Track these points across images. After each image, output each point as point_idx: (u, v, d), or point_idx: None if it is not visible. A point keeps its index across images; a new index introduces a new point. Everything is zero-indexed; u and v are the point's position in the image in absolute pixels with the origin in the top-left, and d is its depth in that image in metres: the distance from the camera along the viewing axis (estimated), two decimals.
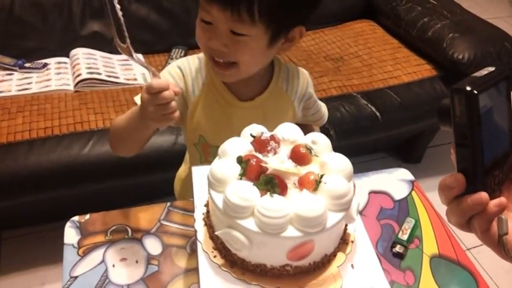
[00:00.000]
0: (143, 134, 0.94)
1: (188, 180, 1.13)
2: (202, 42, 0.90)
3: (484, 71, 0.50)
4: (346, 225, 0.74)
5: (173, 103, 0.82)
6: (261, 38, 0.87)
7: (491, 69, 0.51)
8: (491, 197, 0.50)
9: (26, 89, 1.89)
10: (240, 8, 0.81)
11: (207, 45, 0.88)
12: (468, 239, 1.94)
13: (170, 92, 0.80)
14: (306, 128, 1.14)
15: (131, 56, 0.83)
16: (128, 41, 0.81)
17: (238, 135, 0.77)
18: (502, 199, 0.50)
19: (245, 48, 0.87)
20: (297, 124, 1.07)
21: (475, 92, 0.47)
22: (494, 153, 0.51)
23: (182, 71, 0.99)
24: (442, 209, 1.04)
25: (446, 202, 0.53)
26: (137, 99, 0.94)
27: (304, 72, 1.08)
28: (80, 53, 2.06)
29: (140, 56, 2.05)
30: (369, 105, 1.93)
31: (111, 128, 0.99)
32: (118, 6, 0.76)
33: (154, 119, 0.83)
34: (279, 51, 0.95)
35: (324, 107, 1.17)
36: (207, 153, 1.04)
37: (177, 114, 0.83)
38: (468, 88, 0.47)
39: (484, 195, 0.50)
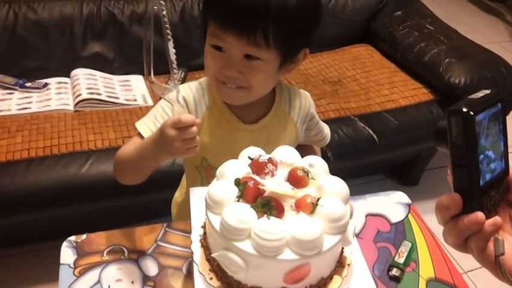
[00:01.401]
0: (154, 165, 0.93)
1: (184, 204, 1.13)
2: (214, 70, 0.90)
3: (479, 94, 0.51)
4: (342, 248, 0.74)
5: (197, 137, 0.82)
6: (274, 62, 0.89)
7: (487, 91, 0.52)
8: (487, 218, 0.50)
9: (26, 108, 1.90)
10: (256, 33, 0.83)
11: (220, 72, 0.89)
12: (465, 262, 1.94)
13: (196, 126, 0.81)
14: (306, 149, 1.15)
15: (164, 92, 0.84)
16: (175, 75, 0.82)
17: None
18: (496, 218, 0.50)
19: (258, 72, 0.88)
20: (298, 144, 1.09)
21: (471, 113, 0.48)
22: (490, 174, 0.52)
23: (186, 100, 0.99)
24: (438, 232, 1.05)
25: (443, 222, 0.53)
26: (140, 127, 0.95)
27: (306, 94, 1.10)
28: (81, 74, 2.08)
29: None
30: (367, 128, 1.94)
31: (117, 158, 0.98)
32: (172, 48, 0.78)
33: (178, 153, 0.83)
34: (283, 73, 0.97)
35: (326, 128, 1.18)
36: (209, 176, 1.05)
37: (198, 147, 0.83)
38: (464, 109, 0.48)
39: (480, 214, 0.50)
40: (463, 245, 0.53)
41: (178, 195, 1.23)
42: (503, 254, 0.49)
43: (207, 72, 0.94)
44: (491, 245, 0.50)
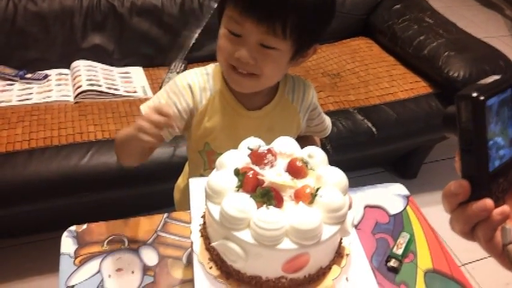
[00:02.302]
0: (137, 145, 0.93)
1: (186, 190, 1.15)
2: (227, 53, 0.91)
3: (489, 79, 0.51)
4: (341, 239, 0.75)
5: (157, 132, 0.84)
6: (287, 53, 0.91)
7: (497, 77, 0.51)
8: (495, 205, 0.50)
9: (26, 99, 1.90)
10: (276, 23, 0.84)
11: (233, 55, 0.90)
12: (463, 255, 1.95)
13: (164, 119, 0.83)
14: (307, 140, 1.16)
15: None
16: None
17: None
18: (504, 207, 0.50)
19: (272, 61, 0.90)
20: (298, 136, 1.10)
21: (482, 98, 0.47)
22: (499, 161, 0.51)
23: (191, 86, 1.00)
24: (436, 224, 1.06)
25: (450, 209, 0.52)
26: (143, 109, 0.97)
27: (309, 84, 1.11)
28: (81, 65, 2.08)
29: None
30: (365, 120, 1.95)
31: (115, 140, 1.01)
32: None
33: (142, 131, 0.84)
34: (291, 66, 0.98)
35: (328, 120, 1.19)
36: (212, 161, 1.05)
37: (152, 143, 0.85)
38: (474, 94, 0.47)
39: (489, 201, 0.49)
40: (470, 233, 0.52)
41: (181, 181, 1.25)
42: (511, 243, 0.49)
43: (219, 55, 0.94)
44: (498, 234, 0.50)
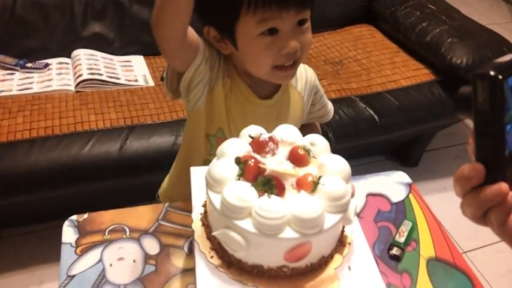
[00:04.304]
0: None
1: (177, 178, 1.13)
2: (270, 58, 0.89)
3: (506, 57, 0.48)
4: (343, 227, 0.75)
5: None
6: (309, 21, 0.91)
7: None
8: (510, 189, 0.48)
9: (27, 88, 1.90)
10: None
11: (281, 54, 0.88)
12: (465, 242, 1.96)
13: None
14: (309, 128, 1.15)
15: None
16: None
17: None
18: None
19: (308, 32, 0.90)
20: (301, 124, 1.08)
21: (500, 77, 0.45)
22: None
23: (221, 54, 0.96)
24: (437, 211, 1.06)
25: (462, 193, 0.50)
26: None
27: (309, 67, 1.10)
28: (82, 54, 2.07)
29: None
30: (368, 108, 1.94)
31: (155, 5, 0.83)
32: None
33: None
34: None
35: (330, 104, 1.18)
36: None
37: None
38: (492, 73, 0.45)
39: (504, 185, 0.48)
40: (482, 218, 0.50)
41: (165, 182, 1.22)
42: None
43: (259, 69, 0.92)
44: (511, 218, 0.49)
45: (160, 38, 0.84)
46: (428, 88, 2.05)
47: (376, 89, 2.03)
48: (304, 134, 0.79)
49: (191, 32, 0.87)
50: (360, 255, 0.75)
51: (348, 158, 0.74)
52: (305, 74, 1.07)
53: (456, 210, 0.51)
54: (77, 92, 1.91)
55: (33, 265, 1.78)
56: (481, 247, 1.96)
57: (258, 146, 0.73)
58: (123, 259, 0.88)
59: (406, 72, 2.11)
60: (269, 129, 0.80)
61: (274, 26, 0.86)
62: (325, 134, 1.80)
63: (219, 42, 0.92)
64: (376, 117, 1.92)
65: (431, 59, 2.12)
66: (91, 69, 1.98)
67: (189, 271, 0.85)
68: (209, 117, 1.00)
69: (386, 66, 2.14)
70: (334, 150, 0.76)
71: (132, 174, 1.68)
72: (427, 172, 2.26)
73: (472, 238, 1.94)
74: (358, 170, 0.98)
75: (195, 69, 0.90)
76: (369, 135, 1.99)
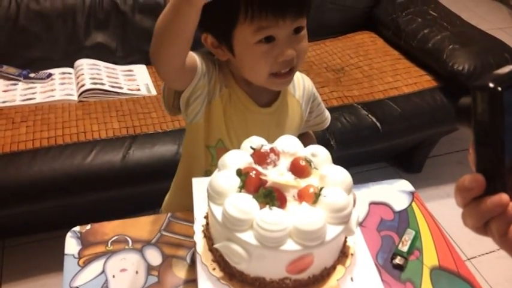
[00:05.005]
0: (185, 12, 0.78)
1: (178, 188, 1.13)
2: (267, 65, 0.89)
3: (506, 69, 0.48)
4: (345, 238, 0.75)
5: None
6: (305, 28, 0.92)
7: None
8: (511, 200, 0.48)
9: (30, 99, 1.90)
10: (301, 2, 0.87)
11: (275, 62, 0.89)
12: (469, 249, 1.95)
13: None
14: (306, 137, 1.15)
15: None
16: None
17: None
18: None
19: (304, 40, 0.91)
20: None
21: (499, 88, 0.45)
22: None
23: (216, 64, 0.96)
24: (441, 218, 1.05)
25: (463, 204, 0.50)
26: None
27: (306, 76, 1.10)
28: (84, 64, 2.08)
29: None
30: (370, 115, 1.94)
31: (156, 26, 0.82)
32: None
33: None
34: None
35: (327, 112, 1.18)
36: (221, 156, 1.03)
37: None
38: (491, 85, 0.45)
39: (504, 196, 0.48)
40: (483, 228, 0.50)
41: (172, 198, 1.20)
42: None
43: (256, 76, 0.92)
44: None
45: (161, 67, 0.84)
46: (431, 95, 2.04)
47: (378, 96, 2.03)
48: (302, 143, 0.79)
49: (189, 54, 0.87)
50: (363, 266, 0.75)
51: (350, 165, 0.74)
52: (302, 82, 1.07)
53: (460, 217, 0.51)
54: (80, 101, 1.92)
55: (37, 275, 1.77)
56: (486, 253, 1.95)
57: (259, 157, 0.73)
58: (125, 270, 0.88)
59: (408, 79, 2.11)
60: (269, 137, 0.80)
61: (270, 34, 0.86)
62: (327, 142, 1.82)
63: (217, 48, 0.93)
64: (378, 124, 1.92)
65: (433, 65, 2.12)
66: (94, 78, 1.98)
67: (191, 282, 0.85)
68: (208, 129, 1.01)
69: (388, 73, 2.14)
70: (337, 157, 0.76)
71: (135, 183, 1.69)
72: (430, 178, 2.25)
73: (477, 244, 1.93)
74: (361, 176, 0.98)
75: (194, 86, 0.91)
76: (371, 142, 1.99)
